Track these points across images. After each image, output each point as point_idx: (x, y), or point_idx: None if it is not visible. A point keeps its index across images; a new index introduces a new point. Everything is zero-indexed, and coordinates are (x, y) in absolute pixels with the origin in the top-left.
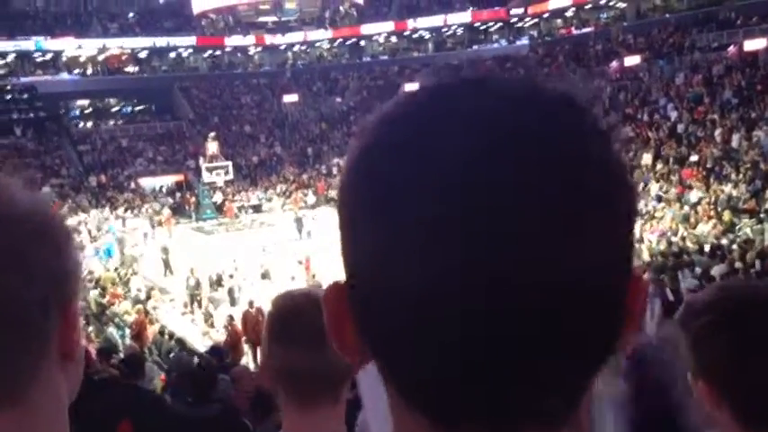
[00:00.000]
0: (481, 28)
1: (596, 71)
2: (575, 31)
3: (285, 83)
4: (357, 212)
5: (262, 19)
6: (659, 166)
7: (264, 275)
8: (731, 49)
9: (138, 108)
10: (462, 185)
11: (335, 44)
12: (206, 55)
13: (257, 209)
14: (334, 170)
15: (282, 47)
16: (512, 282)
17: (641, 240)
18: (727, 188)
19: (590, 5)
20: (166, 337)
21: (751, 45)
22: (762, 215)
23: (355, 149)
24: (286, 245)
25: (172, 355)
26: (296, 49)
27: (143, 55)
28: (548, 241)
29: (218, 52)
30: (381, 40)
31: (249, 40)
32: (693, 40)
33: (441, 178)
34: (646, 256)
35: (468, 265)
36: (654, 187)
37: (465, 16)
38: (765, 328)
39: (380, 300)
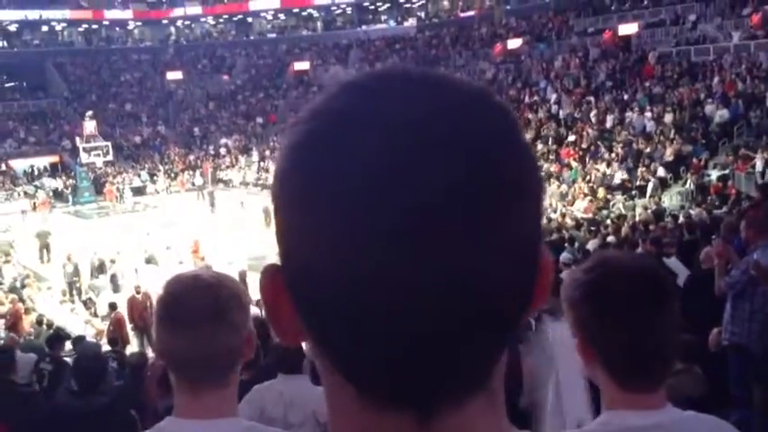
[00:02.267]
0: (370, 7)
1: (480, 54)
2: (460, 14)
3: (168, 59)
4: (288, 202)
5: None
6: (539, 146)
7: (149, 260)
8: (606, 33)
9: (7, 85)
10: (385, 182)
11: (221, 20)
12: (81, 29)
13: (140, 191)
14: (222, 151)
15: (165, 21)
16: (437, 276)
17: None
18: (602, 167)
19: None
20: (45, 326)
21: (624, 30)
22: (633, 192)
23: (286, 142)
24: (172, 228)
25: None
26: (179, 24)
27: (13, 28)
28: (471, 237)
29: (94, 26)
30: (269, 17)
31: (128, 13)
32: (571, 25)
33: (364, 175)
34: None
35: (392, 258)
36: None
37: None
38: (629, 293)
39: (312, 286)
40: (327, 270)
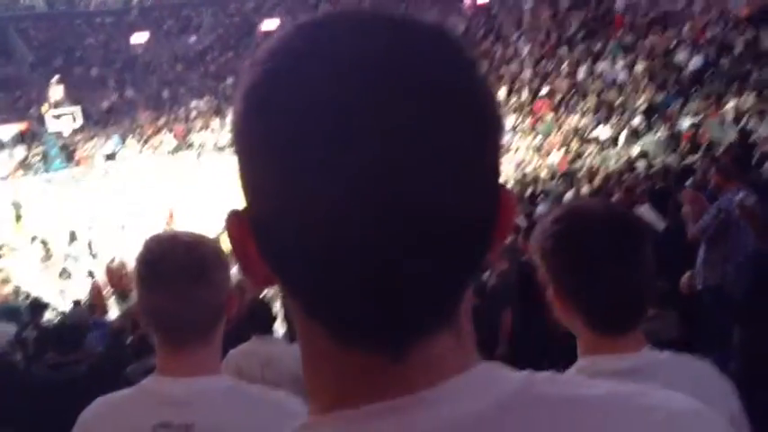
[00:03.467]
0: None
1: (451, 8)
2: None
3: (133, 21)
4: (246, 145)
5: None
6: (513, 99)
7: (124, 227)
8: None
9: None
10: (341, 118)
11: None
12: None
13: (111, 157)
14: (193, 114)
15: None
16: (397, 208)
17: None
18: (575, 118)
19: None
20: (21, 297)
21: None
22: (606, 143)
23: (245, 82)
24: (146, 195)
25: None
26: None
27: None
28: (429, 168)
29: None
30: None
31: None
32: None
33: (321, 112)
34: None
35: (354, 194)
36: (509, 119)
37: None
38: (599, 241)
39: (277, 225)
40: (288, 211)
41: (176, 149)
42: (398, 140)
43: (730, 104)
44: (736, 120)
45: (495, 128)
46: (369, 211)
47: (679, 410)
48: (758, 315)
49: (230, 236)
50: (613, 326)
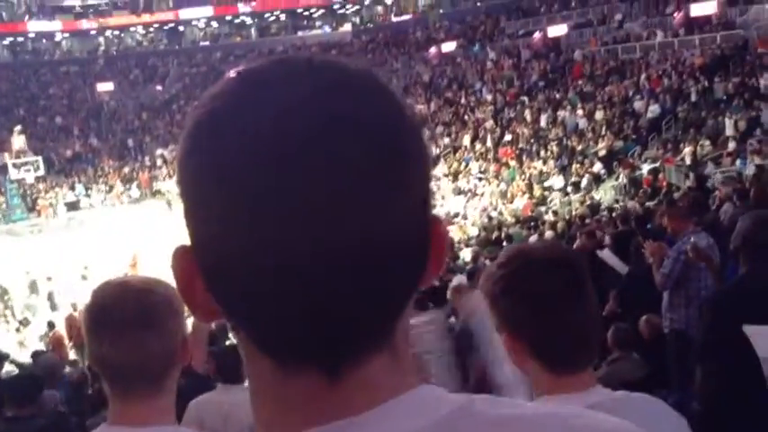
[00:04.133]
0: (304, 14)
1: (417, 57)
2: (395, 19)
3: (99, 71)
4: (188, 184)
5: (68, 3)
6: (478, 146)
7: (86, 276)
8: (536, 35)
9: None
10: (271, 159)
11: (152, 29)
12: (6, 42)
13: (74, 206)
14: (159, 162)
15: (93, 32)
16: (328, 239)
17: (465, 216)
18: (538, 164)
19: None
20: None
21: (554, 31)
22: (568, 188)
23: (189, 122)
24: (109, 243)
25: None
26: (108, 34)
27: None
28: (358, 202)
29: (20, 39)
30: (201, 25)
31: (55, 25)
32: (503, 27)
33: (253, 154)
34: (472, 231)
35: (288, 227)
36: (474, 166)
37: (287, 2)
38: (545, 282)
39: (215, 261)
40: (228, 243)
41: (141, 198)
42: (328, 176)
43: (687, 150)
44: (693, 165)
45: (421, 163)
46: (303, 242)
47: (612, 431)
48: (716, 357)
49: (175, 270)
50: (563, 366)
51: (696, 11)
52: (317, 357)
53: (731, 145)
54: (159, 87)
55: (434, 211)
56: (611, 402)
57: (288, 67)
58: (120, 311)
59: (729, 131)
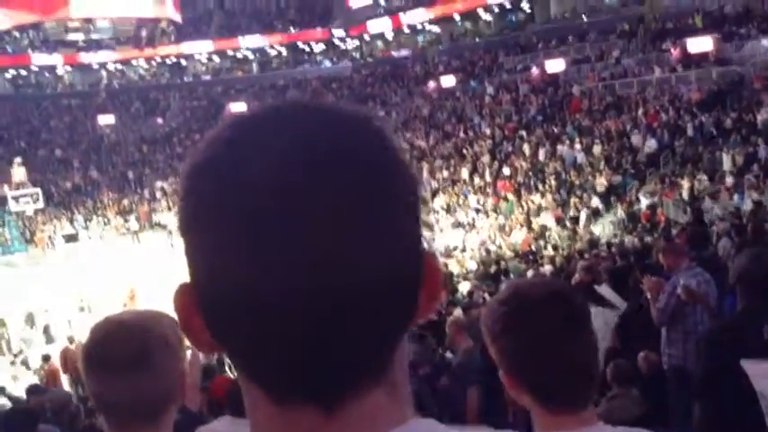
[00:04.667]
0: (305, 49)
1: (416, 91)
2: (395, 54)
3: (100, 104)
4: (186, 223)
5: (71, 37)
6: (476, 179)
7: (83, 309)
8: (534, 70)
9: None
10: (272, 203)
11: (154, 63)
12: (9, 75)
13: (73, 238)
14: (158, 194)
15: (95, 66)
16: (321, 283)
17: (464, 249)
18: (537, 198)
19: (408, 29)
20: None
21: (551, 66)
22: (567, 222)
23: (186, 166)
24: (107, 275)
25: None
26: (110, 68)
27: None
28: (351, 241)
29: (23, 72)
30: (203, 59)
31: (57, 58)
32: (501, 62)
33: (252, 197)
34: (471, 265)
35: (281, 267)
36: (472, 199)
37: (288, 36)
38: (542, 321)
39: (216, 300)
40: (222, 287)
41: (140, 230)
42: (321, 219)
43: (685, 185)
44: (691, 200)
45: (412, 203)
46: (296, 284)
47: None
48: (714, 392)
49: (176, 306)
50: (563, 404)
51: (693, 47)
52: (314, 394)
53: (729, 180)
54: (160, 120)
55: (432, 245)
56: None
57: (281, 113)
58: (115, 353)
59: (727, 166)
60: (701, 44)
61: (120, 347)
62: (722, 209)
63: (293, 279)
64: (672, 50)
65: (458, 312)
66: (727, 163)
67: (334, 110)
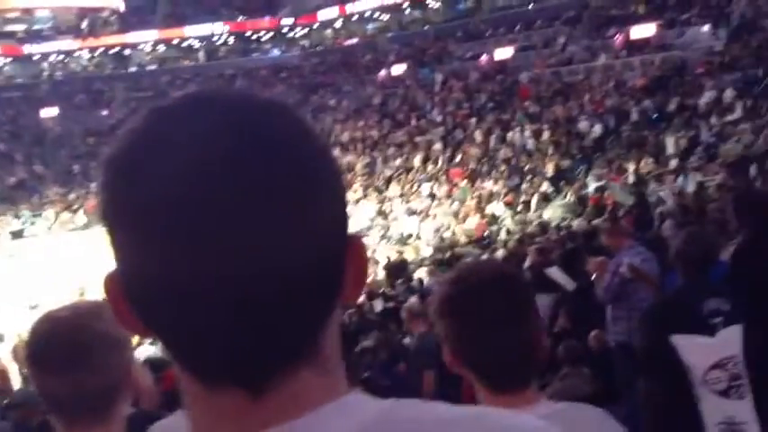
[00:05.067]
0: (253, 37)
1: (367, 80)
2: (344, 42)
3: (43, 96)
4: (104, 214)
5: (10, 28)
6: (429, 167)
7: (34, 306)
8: (483, 57)
9: None
10: (183, 193)
11: (97, 53)
12: None
13: (18, 234)
14: None
15: (37, 57)
16: (237, 270)
17: (419, 237)
18: (489, 184)
19: (356, 17)
20: None
21: (500, 54)
22: (519, 207)
23: (103, 160)
24: (56, 271)
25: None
26: (52, 59)
27: None
28: (264, 230)
29: None
30: (148, 49)
31: None
32: (451, 50)
33: (164, 188)
34: (426, 252)
35: (195, 260)
36: (425, 187)
37: (234, 25)
38: (488, 302)
39: (137, 288)
40: (141, 275)
41: (88, 225)
42: (233, 207)
43: (631, 168)
44: (636, 183)
45: (332, 187)
46: (211, 271)
47: (527, 430)
48: (654, 367)
49: (107, 293)
50: (505, 384)
51: (636, 33)
52: (239, 378)
53: (673, 163)
54: (105, 112)
55: (386, 233)
56: (551, 414)
57: (195, 102)
58: (53, 352)
59: (671, 150)
60: (643, 30)
61: (57, 346)
62: (667, 191)
63: (209, 266)
64: (616, 37)
65: (413, 300)
66: (671, 146)
67: (252, 98)
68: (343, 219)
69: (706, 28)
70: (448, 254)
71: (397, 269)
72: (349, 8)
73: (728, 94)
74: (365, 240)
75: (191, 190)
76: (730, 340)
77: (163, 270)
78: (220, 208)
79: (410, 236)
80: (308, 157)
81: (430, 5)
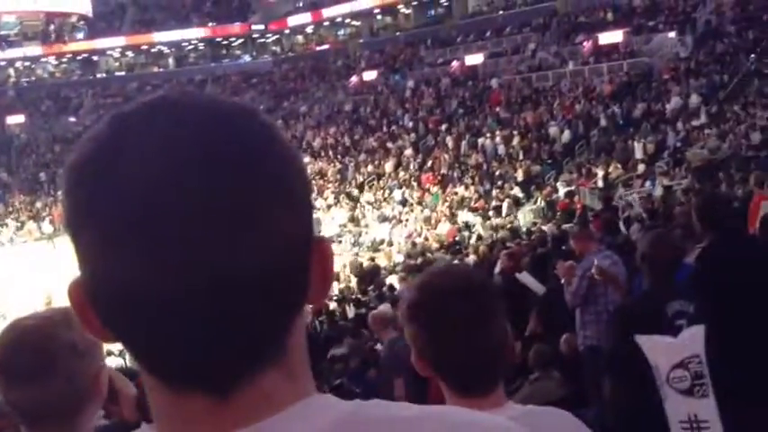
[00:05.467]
0: (223, 43)
1: (338, 86)
2: (315, 48)
3: (9, 102)
4: (67, 220)
5: None
6: (401, 173)
7: (1, 316)
8: (454, 63)
9: None
10: (140, 200)
11: (65, 59)
12: None
13: None
14: None
15: (2, 63)
16: (194, 276)
17: (391, 243)
18: (460, 190)
19: (327, 23)
20: None
21: (471, 60)
22: (490, 213)
23: (66, 164)
24: (22, 280)
25: None
26: (18, 65)
27: None
28: (222, 234)
29: None
30: (116, 55)
31: None
32: (422, 56)
33: (121, 195)
34: (398, 258)
35: (152, 267)
36: (397, 193)
37: (205, 31)
38: (453, 307)
39: (102, 293)
40: (102, 281)
41: (54, 234)
42: (190, 212)
43: (600, 173)
44: (606, 188)
45: (298, 192)
46: (169, 278)
47: (490, 426)
48: (620, 369)
49: (71, 300)
50: (471, 388)
51: (604, 40)
52: (204, 381)
53: (641, 167)
54: (73, 119)
55: (358, 240)
56: (522, 417)
57: (160, 107)
58: (17, 362)
59: (639, 155)
60: (611, 37)
61: (22, 356)
62: (634, 195)
63: (172, 271)
64: (585, 44)
65: (384, 307)
66: (638, 151)
67: (218, 103)
68: (309, 223)
69: (672, 35)
70: (420, 260)
71: (370, 275)
72: (320, 14)
73: (694, 99)
74: (335, 246)
75: (154, 196)
76: (693, 340)
77: (126, 276)
78: (183, 214)
79: (382, 242)
80: (273, 161)
81: (401, 12)
